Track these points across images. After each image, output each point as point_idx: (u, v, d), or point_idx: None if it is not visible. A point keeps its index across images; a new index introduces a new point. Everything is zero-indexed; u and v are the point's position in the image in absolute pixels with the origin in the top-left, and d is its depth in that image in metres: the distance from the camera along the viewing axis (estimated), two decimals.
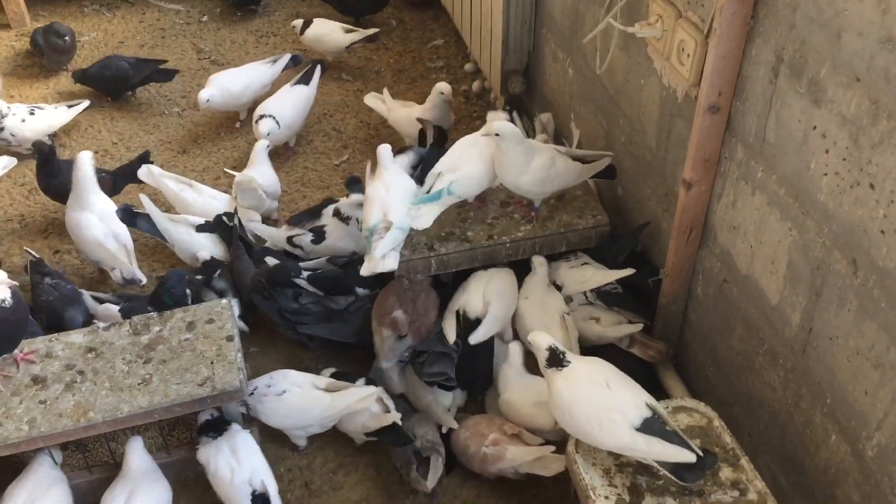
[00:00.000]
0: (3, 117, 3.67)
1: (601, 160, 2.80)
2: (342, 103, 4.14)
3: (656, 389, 2.67)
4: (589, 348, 2.73)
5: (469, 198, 2.83)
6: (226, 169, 3.71)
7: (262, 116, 3.63)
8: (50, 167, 3.36)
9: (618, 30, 2.57)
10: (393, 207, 2.68)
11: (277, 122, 3.62)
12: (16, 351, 2.43)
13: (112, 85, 4.08)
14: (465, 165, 2.75)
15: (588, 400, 2.13)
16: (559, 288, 2.78)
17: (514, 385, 2.61)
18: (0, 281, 2.24)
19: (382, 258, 2.61)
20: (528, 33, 3.58)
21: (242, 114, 3.99)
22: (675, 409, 2.32)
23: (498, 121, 2.69)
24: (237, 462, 2.41)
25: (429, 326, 2.73)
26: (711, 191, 2.34)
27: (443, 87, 3.56)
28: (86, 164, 3.09)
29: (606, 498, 2.12)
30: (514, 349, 2.67)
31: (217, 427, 2.52)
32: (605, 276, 2.70)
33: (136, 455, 2.45)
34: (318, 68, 3.88)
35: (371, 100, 3.85)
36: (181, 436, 2.63)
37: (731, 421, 2.32)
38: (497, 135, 2.64)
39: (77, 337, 2.53)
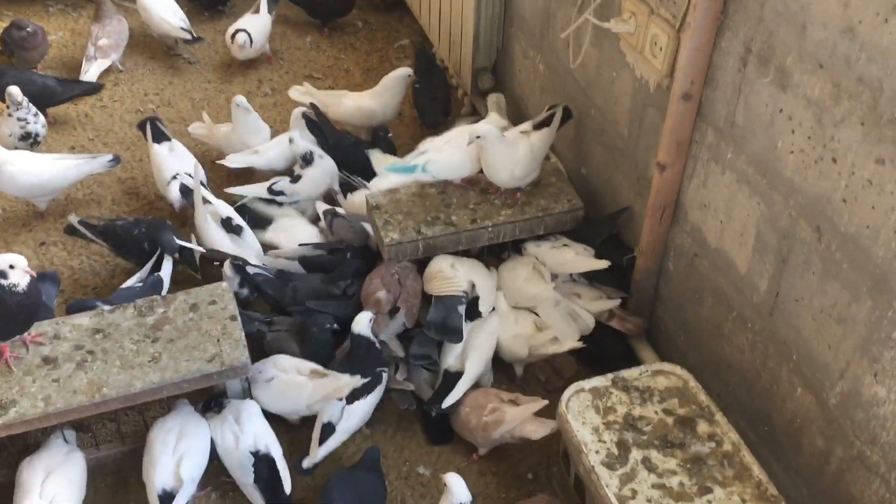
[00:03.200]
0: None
1: (556, 112, 3.04)
2: None
3: (631, 359, 2.88)
4: None
5: (454, 179, 3.03)
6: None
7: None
8: None
9: (591, 26, 2.78)
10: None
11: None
12: (24, 333, 2.51)
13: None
14: (448, 149, 2.96)
15: None
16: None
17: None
18: (19, 266, 2.32)
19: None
20: (498, 32, 3.78)
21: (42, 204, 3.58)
22: (655, 373, 2.52)
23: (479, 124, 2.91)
24: (241, 429, 2.54)
25: (418, 307, 2.89)
26: (683, 172, 2.56)
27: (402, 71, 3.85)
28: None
29: (597, 452, 2.31)
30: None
31: (217, 402, 2.64)
32: (581, 264, 2.92)
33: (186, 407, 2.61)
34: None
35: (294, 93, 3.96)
36: None
37: (701, 384, 2.53)
38: (479, 137, 2.85)
39: (83, 319, 2.62)
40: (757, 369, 2.42)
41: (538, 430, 2.58)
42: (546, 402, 2.62)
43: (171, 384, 2.47)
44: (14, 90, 3.57)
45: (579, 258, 2.95)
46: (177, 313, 2.64)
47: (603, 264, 2.88)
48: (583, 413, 2.42)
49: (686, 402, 2.46)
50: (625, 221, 2.97)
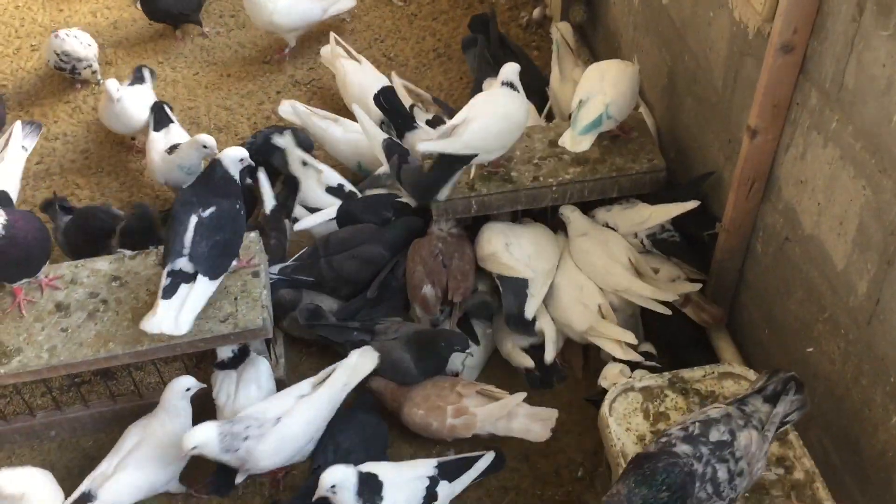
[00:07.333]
0: None
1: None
2: (394, 28, 3.94)
3: (707, 350, 2.50)
4: None
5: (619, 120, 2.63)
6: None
7: None
8: None
9: None
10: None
11: None
12: (41, 276, 2.39)
13: None
14: (613, 87, 2.56)
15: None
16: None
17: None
18: None
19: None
20: None
21: (291, 41, 3.79)
22: (722, 375, 2.14)
23: None
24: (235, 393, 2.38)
25: (469, 288, 2.60)
26: (779, 140, 2.12)
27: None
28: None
29: None
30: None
31: (234, 363, 2.46)
32: (666, 211, 2.50)
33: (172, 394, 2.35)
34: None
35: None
36: (207, 369, 2.57)
37: None
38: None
39: (103, 264, 2.48)
40: (847, 384, 2.00)
41: (537, 430, 2.26)
42: (524, 394, 2.33)
43: (183, 343, 2.29)
44: None
45: (662, 207, 2.54)
46: None
47: (692, 204, 2.47)
48: (629, 417, 2.08)
49: None
50: (713, 190, 2.54)
